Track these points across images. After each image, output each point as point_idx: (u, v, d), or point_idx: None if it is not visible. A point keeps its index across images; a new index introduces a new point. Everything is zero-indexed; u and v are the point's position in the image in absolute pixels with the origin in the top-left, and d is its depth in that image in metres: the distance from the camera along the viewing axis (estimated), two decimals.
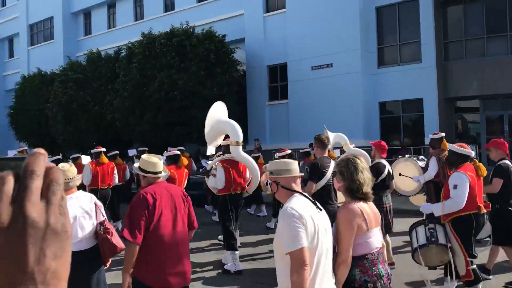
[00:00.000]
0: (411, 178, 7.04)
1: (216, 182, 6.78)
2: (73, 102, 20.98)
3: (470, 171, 4.84)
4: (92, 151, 9.29)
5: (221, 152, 7.38)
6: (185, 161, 7.95)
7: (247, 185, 7.00)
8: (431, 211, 4.95)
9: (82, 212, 3.87)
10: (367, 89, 17.68)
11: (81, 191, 4.05)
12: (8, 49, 33.97)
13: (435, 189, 6.82)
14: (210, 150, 7.27)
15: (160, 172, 3.75)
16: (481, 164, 4.99)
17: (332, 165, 5.59)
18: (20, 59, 31.77)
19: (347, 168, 3.00)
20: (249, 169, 6.83)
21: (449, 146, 5.21)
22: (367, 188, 2.99)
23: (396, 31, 17.82)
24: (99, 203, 4.09)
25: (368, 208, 2.98)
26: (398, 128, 17.97)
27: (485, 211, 4.87)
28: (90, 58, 21.53)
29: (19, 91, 25.64)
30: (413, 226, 5.11)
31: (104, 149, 9.64)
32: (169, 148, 9.94)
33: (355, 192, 2.96)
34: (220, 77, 17.61)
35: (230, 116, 7.47)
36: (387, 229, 6.31)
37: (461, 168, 4.84)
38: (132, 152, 12.28)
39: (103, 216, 4.04)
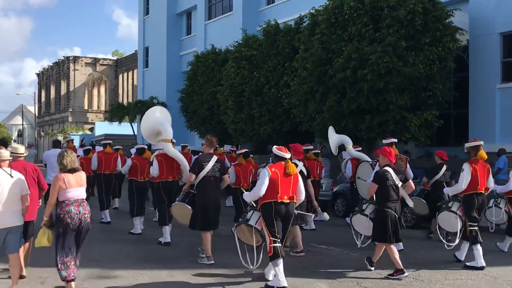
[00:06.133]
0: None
1: (152, 171, 9.87)
2: (245, 83, 20.68)
3: (278, 168, 7.11)
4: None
5: (162, 148, 10.08)
6: (148, 154, 11.29)
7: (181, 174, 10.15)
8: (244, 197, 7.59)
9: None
10: None
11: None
12: (186, 25, 35.44)
13: None
14: (157, 145, 10.60)
15: (22, 154, 7.41)
16: (291, 164, 7.24)
17: (213, 160, 8.56)
18: (196, 36, 32.77)
19: (59, 158, 6.54)
20: (178, 160, 9.83)
21: (273, 148, 7.49)
22: (72, 165, 6.46)
23: None
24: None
25: (71, 176, 6.45)
26: None
27: (286, 200, 7.07)
28: (266, 31, 20.90)
29: (190, 72, 25.95)
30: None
31: (111, 141, 14.06)
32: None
33: (65, 167, 6.42)
34: (429, 49, 15.45)
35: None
36: None
37: (269, 166, 7.35)
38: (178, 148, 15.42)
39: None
